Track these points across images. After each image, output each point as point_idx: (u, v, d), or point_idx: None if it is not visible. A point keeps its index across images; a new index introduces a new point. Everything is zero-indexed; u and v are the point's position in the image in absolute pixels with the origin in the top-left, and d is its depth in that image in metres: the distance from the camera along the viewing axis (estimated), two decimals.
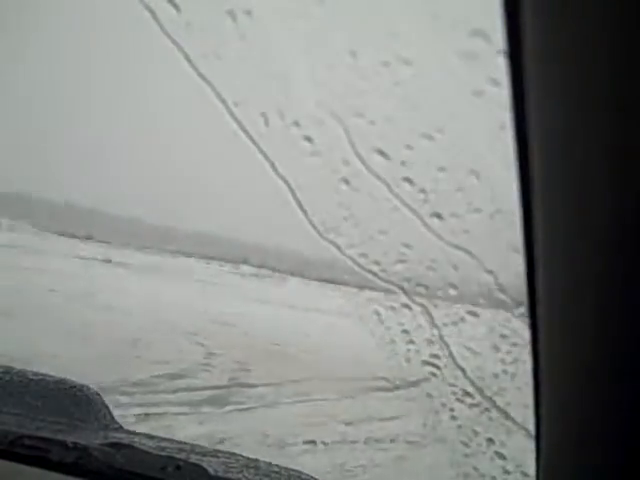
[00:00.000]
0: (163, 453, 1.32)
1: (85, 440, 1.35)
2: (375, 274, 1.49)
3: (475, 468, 1.60)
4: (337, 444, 6.21)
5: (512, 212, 0.81)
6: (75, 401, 1.59)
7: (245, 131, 1.34)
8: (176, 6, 1.29)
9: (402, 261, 1.49)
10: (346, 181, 1.39)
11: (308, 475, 1.44)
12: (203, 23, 1.39)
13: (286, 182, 1.38)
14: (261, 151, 1.36)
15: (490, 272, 1.28)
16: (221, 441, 5.57)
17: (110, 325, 9.61)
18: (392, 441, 6.51)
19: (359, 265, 1.47)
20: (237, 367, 8.80)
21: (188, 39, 1.32)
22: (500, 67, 0.69)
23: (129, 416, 5.38)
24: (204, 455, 1.38)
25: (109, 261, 17.91)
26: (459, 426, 1.61)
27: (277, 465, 1.43)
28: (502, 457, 1.49)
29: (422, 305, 1.50)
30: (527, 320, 0.80)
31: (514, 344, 1.48)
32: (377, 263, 1.49)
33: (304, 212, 1.39)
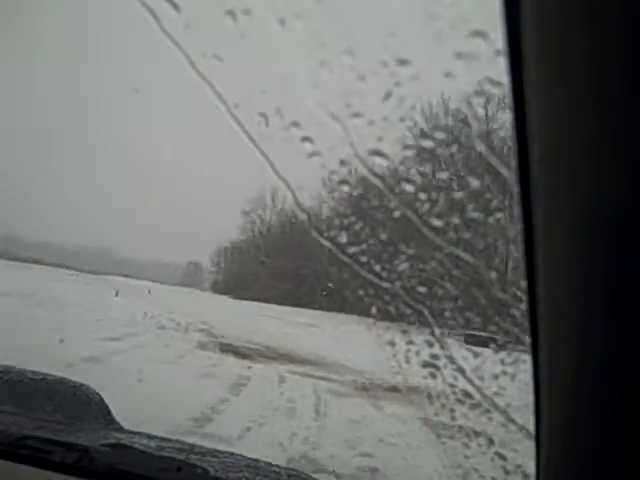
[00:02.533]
0: (163, 453, 1.32)
1: (85, 440, 1.34)
2: (376, 274, 1.49)
3: (475, 468, 1.59)
4: None
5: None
6: (75, 401, 1.58)
7: (245, 131, 1.34)
8: (176, 6, 1.29)
9: (402, 261, 1.50)
10: (346, 181, 1.39)
11: (308, 475, 1.44)
12: (203, 23, 1.39)
13: (285, 182, 1.38)
14: (261, 151, 1.36)
15: (495, 270, 1.28)
16: None
17: None
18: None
19: (359, 264, 1.47)
20: None
21: (188, 39, 1.31)
22: (500, 67, 0.70)
23: None
24: (204, 455, 1.37)
25: None
26: (459, 427, 1.61)
27: (277, 465, 1.42)
28: (502, 457, 1.49)
29: (423, 305, 1.51)
30: (527, 320, 0.80)
31: (514, 345, 1.48)
32: (377, 262, 1.49)
33: (304, 212, 1.39)
